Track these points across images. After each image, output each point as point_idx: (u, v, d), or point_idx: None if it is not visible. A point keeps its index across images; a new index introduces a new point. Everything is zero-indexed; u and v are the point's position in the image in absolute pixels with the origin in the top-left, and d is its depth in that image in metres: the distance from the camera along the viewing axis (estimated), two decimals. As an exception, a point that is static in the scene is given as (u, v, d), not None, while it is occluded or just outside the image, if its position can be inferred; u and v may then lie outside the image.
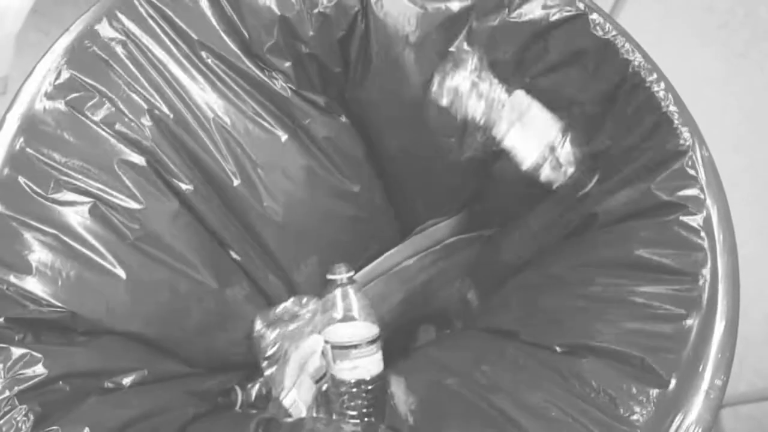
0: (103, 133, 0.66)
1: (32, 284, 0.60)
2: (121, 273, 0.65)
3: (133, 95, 0.68)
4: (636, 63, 0.66)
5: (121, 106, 0.68)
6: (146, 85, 0.69)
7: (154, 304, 0.68)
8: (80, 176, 0.64)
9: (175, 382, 0.66)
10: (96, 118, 0.66)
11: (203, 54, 0.72)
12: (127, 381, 0.61)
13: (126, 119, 0.68)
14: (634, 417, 0.56)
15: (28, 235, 0.61)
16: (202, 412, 0.63)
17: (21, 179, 0.62)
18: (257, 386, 0.80)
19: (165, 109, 0.71)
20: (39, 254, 0.61)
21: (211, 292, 0.74)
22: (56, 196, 0.63)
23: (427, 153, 0.82)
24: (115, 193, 0.66)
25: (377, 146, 0.87)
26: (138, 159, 0.68)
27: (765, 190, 1.47)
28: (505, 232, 0.91)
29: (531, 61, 0.73)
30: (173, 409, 0.59)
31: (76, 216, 0.64)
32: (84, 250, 0.63)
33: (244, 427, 0.61)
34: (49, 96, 0.64)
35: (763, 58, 1.56)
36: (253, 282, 0.83)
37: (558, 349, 0.67)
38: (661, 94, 0.65)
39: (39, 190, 0.62)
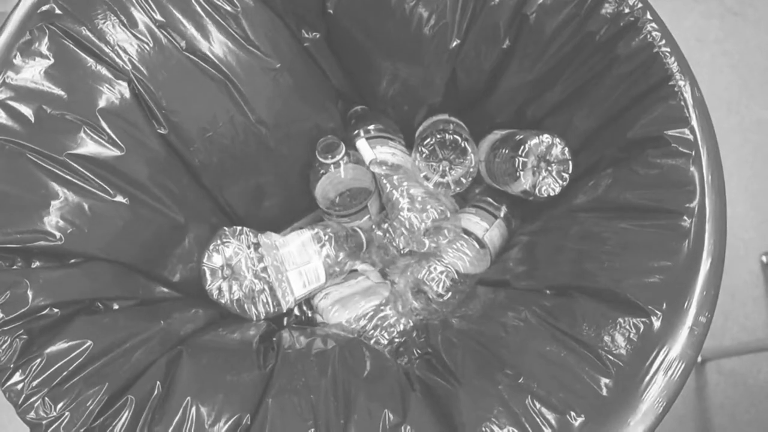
0: (89, 58, 0.65)
1: (26, 213, 0.60)
2: (122, 199, 0.65)
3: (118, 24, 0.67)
4: (630, 2, 0.66)
5: (108, 37, 0.67)
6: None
7: (145, 232, 0.68)
8: (67, 104, 0.63)
9: (168, 304, 0.66)
10: (82, 44, 0.65)
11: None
12: (116, 306, 0.61)
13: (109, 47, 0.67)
14: (620, 351, 0.56)
15: (21, 163, 0.61)
16: (202, 325, 0.64)
17: (12, 103, 0.62)
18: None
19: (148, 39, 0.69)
20: (33, 182, 0.61)
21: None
22: (47, 123, 0.62)
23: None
24: (101, 120, 0.65)
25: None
26: (122, 87, 0.67)
27: (755, 151, 1.48)
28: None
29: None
30: (163, 330, 0.59)
31: (69, 142, 0.63)
32: (79, 177, 0.63)
33: (251, 344, 0.62)
34: (33, 24, 0.63)
35: (759, 17, 1.55)
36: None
37: (548, 291, 0.68)
38: (654, 33, 0.65)
39: (28, 116, 0.62)
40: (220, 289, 0.72)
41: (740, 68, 1.52)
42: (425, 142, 0.81)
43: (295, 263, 0.73)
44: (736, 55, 1.53)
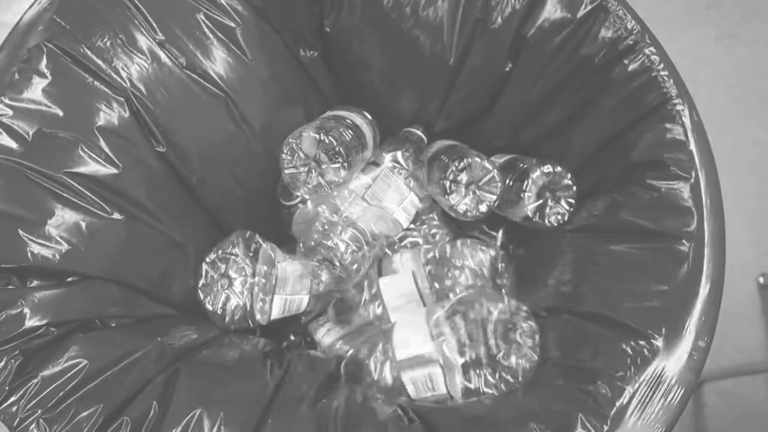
0: (87, 76, 0.65)
1: (21, 231, 0.59)
2: (119, 217, 0.65)
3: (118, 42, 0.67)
4: (628, 26, 0.66)
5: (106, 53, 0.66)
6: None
7: (143, 250, 0.67)
8: (65, 122, 0.63)
9: (166, 321, 0.65)
10: (80, 62, 0.65)
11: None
12: (113, 324, 0.60)
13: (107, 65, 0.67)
14: (618, 375, 0.56)
15: (19, 181, 0.60)
16: (200, 343, 0.63)
17: (10, 121, 0.61)
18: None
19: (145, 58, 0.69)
20: (30, 200, 0.60)
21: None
22: (44, 141, 0.62)
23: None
24: (99, 137, 0.65)
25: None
26: (119, 105, 0.67)
27: (751, 171, 1.48)
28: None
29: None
30: (160, 347, 0.59)
31: (66, 160, 0.62)
32: (77, 196, 0.62)
33: (254, 361, 0.61)
34: (32, 42, 0.63)
35: (754, 39, 1.56)
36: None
37: (543, 313, 0.67)
38: (653, 57, 0.65)
39: (25, 135, 0.61)
40: (210, 294, 0.71)
41: (735, 89, 1.53)
42: (456, 166, 0.75)
43: (286, 291, 0.72)
44: (731, 76, 1.54)
